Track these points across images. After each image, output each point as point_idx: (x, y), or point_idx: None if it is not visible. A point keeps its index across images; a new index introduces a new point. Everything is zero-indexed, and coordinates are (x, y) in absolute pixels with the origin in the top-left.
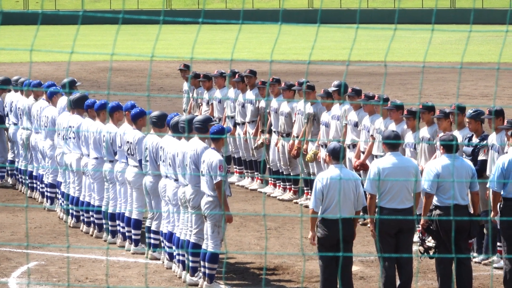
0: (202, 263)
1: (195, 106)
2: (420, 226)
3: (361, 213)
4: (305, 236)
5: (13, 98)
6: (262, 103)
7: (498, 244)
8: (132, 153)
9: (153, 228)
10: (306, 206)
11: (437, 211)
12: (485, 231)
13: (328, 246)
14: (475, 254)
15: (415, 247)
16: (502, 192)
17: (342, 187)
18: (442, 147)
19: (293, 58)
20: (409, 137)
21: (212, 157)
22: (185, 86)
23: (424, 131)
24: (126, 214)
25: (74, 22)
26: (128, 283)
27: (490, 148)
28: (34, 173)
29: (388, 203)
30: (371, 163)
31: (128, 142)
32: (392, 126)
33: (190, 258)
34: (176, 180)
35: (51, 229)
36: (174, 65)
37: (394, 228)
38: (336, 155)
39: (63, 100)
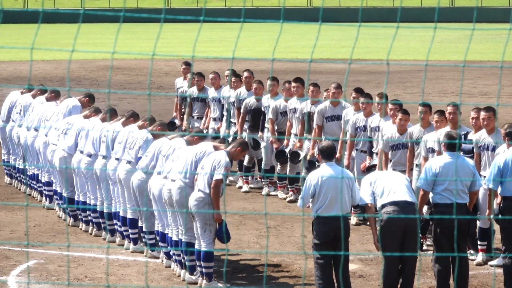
0: (197, 262)
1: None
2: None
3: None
4: (305, 234)
5: (15, 97)
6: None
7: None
8: (131, 147)
9: (144, 229)
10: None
11: (436, 209)
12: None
13: (322, 243)
14: (472, 252)
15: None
16: (499, 191)
17: (336, 185)
18: (444, 144)
19: (292, 56)
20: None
21: (221, 156)
22: (179, 83)
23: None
24: (121, 214)
25: (73, 21)
26: (127, 281)
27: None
28: (28, 172)
29: (387, 198)
30: (363, 178)
31: (133, 137)
32: (388, 124)
33: (186, 257)
34: (173, 180)
35: (50, 227)
36: (173, 64)
37: (402, 221)
38: (327, 154)
39: (69, 101)
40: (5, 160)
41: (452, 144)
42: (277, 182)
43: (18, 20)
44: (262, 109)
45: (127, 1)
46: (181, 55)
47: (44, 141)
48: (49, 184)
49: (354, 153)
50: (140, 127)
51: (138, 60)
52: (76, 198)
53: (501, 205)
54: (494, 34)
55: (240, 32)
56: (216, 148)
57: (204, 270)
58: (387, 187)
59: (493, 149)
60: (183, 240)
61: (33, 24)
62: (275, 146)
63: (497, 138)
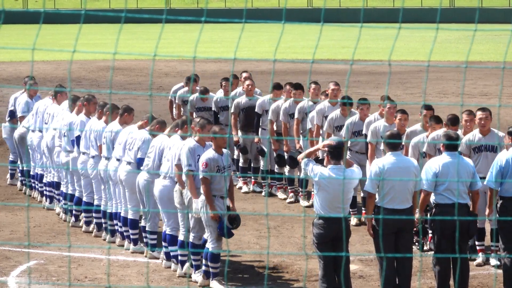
0: (204, 261)
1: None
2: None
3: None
4: (306, 235)
5: (13, 98)
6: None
7: (495, 244)
8: (130, 148)
9: (147, 228)
10: (307, 207)
11: (437, 209)
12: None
13: (323, 243)
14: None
15: (414, 247)
16: (499, 190)
17: (340, 186)
18: (442, 144)
19: (292, 57)
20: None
21: (204, 155)
22: (180, 92)
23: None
24: (122, 214)
25: (73, 21)
26: (127, 282)
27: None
28: (31, 172)
29: (388, 204)
30: (372, 163)
31: (132, 137)
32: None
33: (192, 256)
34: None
35: (50, 228)
36: (173, 64)
37: (394, 228)
38: (337, 153)
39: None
40: (11, 160)
41: (451, 144)
42: (276, 182)
43: (18, 21)
44: (260, 112)
45: (128, 2)
46: (182, 56)
47: (48, 141)
48: (51, 185)
49: (349, 154)
50: (140, 127)
51: (138, 61)
52: (80, 197)
53: (498, 205)
54: (494, 34)
55: (242, 33)
56: (199, 142)
57: (208, 269)
58: (391, 191)
59: (493, 150)
60: (190, 240)
61: (33, 24)
62: (274, 148)
63: (498, 140)
